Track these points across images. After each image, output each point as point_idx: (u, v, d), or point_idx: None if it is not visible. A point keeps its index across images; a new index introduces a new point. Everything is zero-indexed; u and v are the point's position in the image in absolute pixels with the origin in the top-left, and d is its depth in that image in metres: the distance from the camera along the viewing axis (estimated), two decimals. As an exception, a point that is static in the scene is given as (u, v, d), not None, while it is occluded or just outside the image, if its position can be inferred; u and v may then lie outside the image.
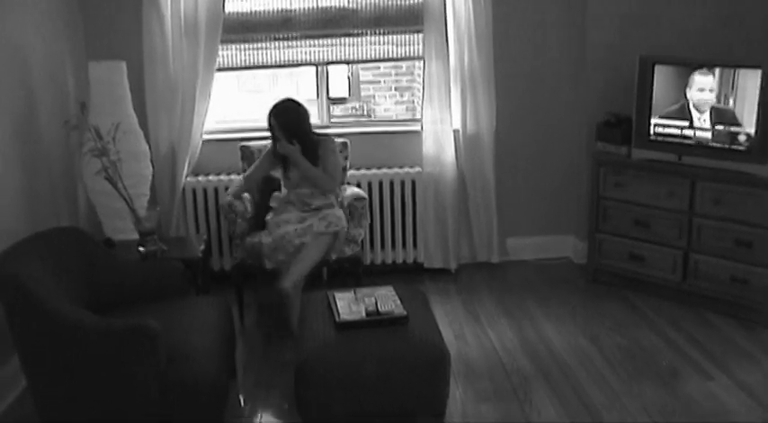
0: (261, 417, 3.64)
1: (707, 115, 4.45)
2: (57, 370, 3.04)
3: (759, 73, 4.19)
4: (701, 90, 4.45)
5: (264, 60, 5.14)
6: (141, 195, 4.59)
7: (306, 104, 4.65)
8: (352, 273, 4.58)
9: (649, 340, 4.26)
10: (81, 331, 2.95)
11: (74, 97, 4.63)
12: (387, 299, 3.51)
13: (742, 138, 4.33)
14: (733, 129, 4.36)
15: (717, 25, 4.98)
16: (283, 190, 4.69)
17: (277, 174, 4.69)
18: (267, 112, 4.55)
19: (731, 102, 4.35)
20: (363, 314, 3.38)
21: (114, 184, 4.24)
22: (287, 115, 4.52)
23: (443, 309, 4.72)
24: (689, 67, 4.48)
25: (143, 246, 4.21)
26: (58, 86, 4.56)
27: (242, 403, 3.71)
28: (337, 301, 3.52)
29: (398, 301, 3.49)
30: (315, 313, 3.54)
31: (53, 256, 3.34)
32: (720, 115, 4.40)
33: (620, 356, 4.09)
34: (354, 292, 3.63)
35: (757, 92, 4.20)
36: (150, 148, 4.74)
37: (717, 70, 4.37)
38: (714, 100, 4.41)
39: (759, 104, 4.22)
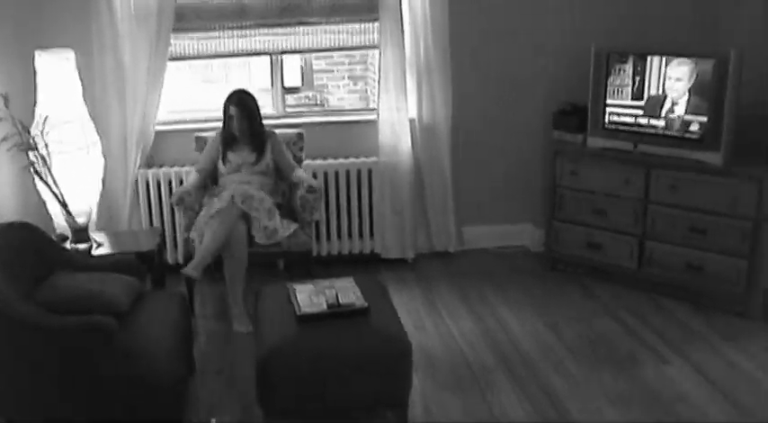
0: (221, 411, 3.59)
1: (660, 103, 4.50)
2: (13, 369, 2.97)
3: (712, 62, 4.25)
4: (678, 79, 4.47)
5: (218, 50, 5.06)
6: (92, 188, 4.49)
7: (258, 94, 4.65)
8: (303, 264, 4.54)
9: (607, 327, 4.31)
10: (36, 329, 2.88)
11: None
12: (347, 290, 3.48)
13: (695, 126, 4.39)
14: (686, 117, 4.41)
15: (669, 12, 5.03)
16: (220, 180, 4.66)
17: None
18: (225, 100, 4.61)
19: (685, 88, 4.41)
20: (324, 306, 3.35)
21: (44, 179, 4.14)
22: (247, 104, 4.60)
23: (402, 299, 4.70)
24: (643, 55, 4.52)
25: (76, 242, 4.15)
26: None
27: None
28: (297, 293, 3.48)
29: (359, 293, 3.46)
30: (275, 306, 3.50)
31: (2, 252, 3.24)
32: (676, 102, 4.45)
33: (579, 343, 4.12)
34: (314, 284, 3.59)
35: (709, 80, 4.26)
36: (101, 139, 4.63)
37: (670, 59, 4.42)
38: (675, 87, 4.45)
39: (711, 93, 4.27)
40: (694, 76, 4.35)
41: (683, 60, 4.38)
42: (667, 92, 4.46)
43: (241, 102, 4.58)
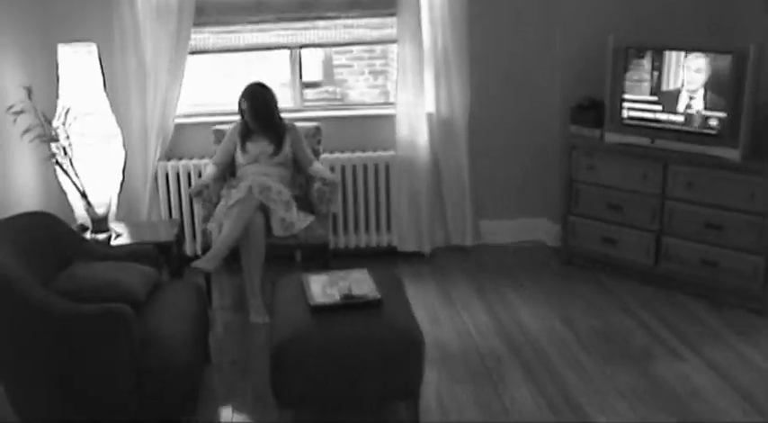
0: (235, 401, 3.63)
1: (678, 98, 4.48)
2: (30, 356, 3.01)
3: (729, 58, 4.23)
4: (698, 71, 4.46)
5: (237, 44, 5.10)
6: (112, 179, 4.55)
7: (278, 88, 4.67)
8: (320, 257, 4.57)
9: (622, 322, 4.30)
10: (53, 316, 2.92)
11: (18, 82, 4.37)
12: (361, 282, 3.50)
13: (713, 122, 4.37)
14: (704, 112, 4.39)
15: (688, 7, 5.00)
16: (238, 172, 4.70)
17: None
18: (242, 94, 4.65)
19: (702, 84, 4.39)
20: (338, 297, 3.37)
21: (65, 170, 4.21)
22: (259, 99, 4.63)
23: (417, 292, 4.72)
24: (661, 51, 4.51)
25: (96, 232, 4.21)
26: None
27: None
28: (311, 284, 3.51)
29: (373, 285, 3.48)
30: (289, 297, 3.53)
31: (23, 241, 3.30)
32: (695, 98, 4.43)
33: (594, 338, 4.12)
34: (328, 276, 3.62)
35: (728, 75, 4.24)
36: (122, 131, 4.69)
37: (689, 54, 4.41)
38: (693, 83, 4.44)
39: (730, 89, 4.25)
40: (711, 70, 4.33)
41: (700, 54, 4.36)
42: (685, 85, 4.44)
43: (253, 95, 4.63)
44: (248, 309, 4.41)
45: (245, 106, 4.62)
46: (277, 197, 4.37)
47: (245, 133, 4.69)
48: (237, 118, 4.74)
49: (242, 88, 4.68)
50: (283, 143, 4.69)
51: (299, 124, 4.87)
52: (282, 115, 4.83)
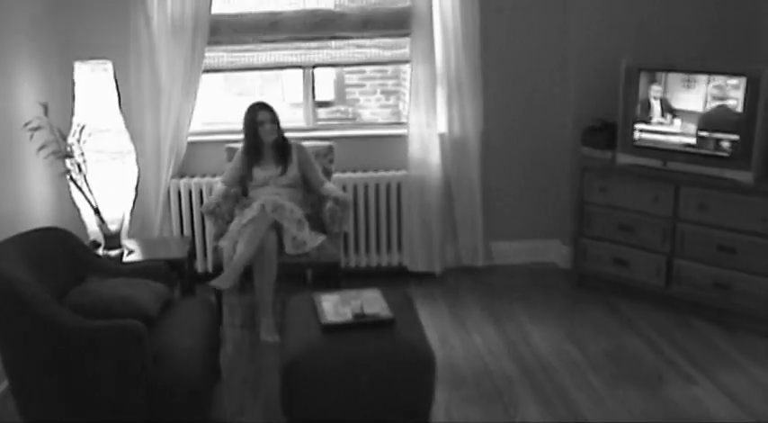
0: (245, 419, 3.62)
1: (690, 120, 4.49)
2: (40, 370, 3.02)
3: (743, 80, 4.24)
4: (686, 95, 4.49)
5: (251, 62, 5.14)
6: (125, 196, 4.57)
7: (291, 108, 4.70)
8: (331, 276, 4.58)
9: (633, 345, 4.28)
10: (66, 331, 2.93)
11: (34, 98, 4.38)
12: (373, 301, 3.50)
13: (726, 144, 4.37)
14: (717, 135, 4.39)
15: (701, 29, 5.02)
16: (250, 192, 4.72)
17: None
18: (247, 112, 4.69)
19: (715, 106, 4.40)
20: (350, 316, 3.37)
21: (79, 187, 4.24)
22: (273, 111, 4.68)
23: (428, 312, 4.71)
24: (674, 73, 4.52)
25: (108, 249, 4.24)
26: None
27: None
28: (323, 303, 3.51)
29: (385, 304, 3.49)
30: (300, 315, 3.53)
31: (37, 256, 3.31)
32: (707, 120, 4.43)
33: (605, 361, 4.10)
34: (340, 295, 3.62)
35: (741, 98, 4.25)
36: (135, 148, 4.72)
37: (701, 76, 4.42)
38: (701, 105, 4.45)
39: (743, 111, 4.26)
40: (724, 93, 4.33)
41: (713, 77, 4.37)
42: (699, 107, 4.44)
43: (267, 107, 4.66)
44: (259, 327, 4.41)
45: (263, 118, 4.62)
46: (290, 215, 4.38)
47: (251, 158, 4.69)
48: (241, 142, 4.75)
49: (247, 108, 4.70)
50: (289, 163, 4.70)
51: (310, 144, 4.90)
52: (295, 135, 4.85)
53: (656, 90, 4.60)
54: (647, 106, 4.64)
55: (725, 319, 4.48)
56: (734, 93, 4.29)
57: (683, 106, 4.51)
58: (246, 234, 4.28)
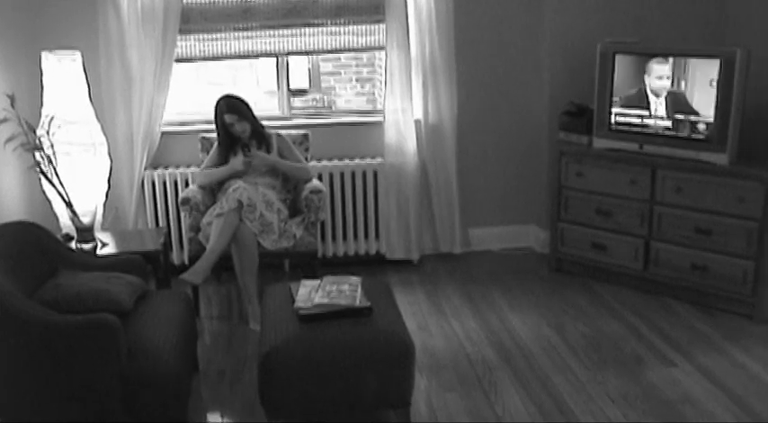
0: (224, 411, 3.59)
1: (662, 100, 4.48)
2: (15, 366, 2.97)
3: (717, 62, 4.24)
4: (660, 78, 4.49)
5: (224, 51, 5.07)
6: (98, 188, 4.51)
7: (265, 96, 4.64)
8: (308, 265, 4.54)
9: (612, 328, 4.29)
10: (38, 327, 2.89)
11: (0, 90, 4.34)
12: (350, 290, 3.47)
13: (701, 126, 4.37)
14: (692, 118, 4.40)
15: (674, 12, 5.02)
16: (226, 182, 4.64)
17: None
18: (217, 109, 4.58)
19: (684, 87, 4.39)
20: (327, 305, 3.34)
21: (49, 179, 4.16)
22: (238, 107, 4.57)
23: (407, 300, 4.70)
24: (648, 56, 4.51)
25: (81, 242, 4.17)
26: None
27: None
28: (299, 292, 3.48)
29: (362, 293, 3.46)
30: (277, 305, 3.49)
31: (7, 251, 3.25)
32: (675, 100, 4.43)
33: (584, 344, 4.11)
34: (317, 284, 3.58)
35: (714, 81, 4.25)
36: (108, 139, 4.65)
37: (673, 59, 4.41)
38: (670, 86, 4.45)
39: (717, 93, 4.26)
40: (699, 75, 4.34)
41: (688, 59, 4.37)
42: (673, 90, 4.45)
43: (232, 107, 4.55)
44: (247, 317, 4.37)
45: (229, 120, 4.53)
46: (260, 217, 4.31)
47: (228, 150, 4.63)
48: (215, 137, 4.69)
49: (214, 105, 4.60)
50: (270, 151, 4.65)
51: (285, 132, 4.84)
52: (270, 123, 4.80)
53: (631, 73, 4.60)
54: (624, 90, 4.63)
55: (703, 301, 4.50)
56: (709, 75, 4.29)
57: (659, 89, 4.51)
58: (218, 226, 4.23)
